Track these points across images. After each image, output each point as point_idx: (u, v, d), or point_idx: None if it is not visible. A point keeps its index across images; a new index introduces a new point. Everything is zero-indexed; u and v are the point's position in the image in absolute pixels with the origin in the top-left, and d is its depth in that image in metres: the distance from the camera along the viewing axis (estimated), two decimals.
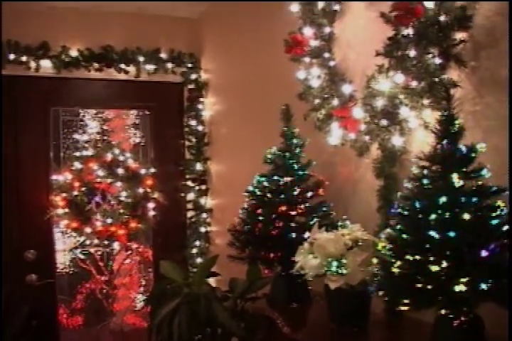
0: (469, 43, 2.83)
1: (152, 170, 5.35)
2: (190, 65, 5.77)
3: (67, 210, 5.03)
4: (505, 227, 2.27)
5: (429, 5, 2.82)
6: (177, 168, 5.75)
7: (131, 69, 5.51)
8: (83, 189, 5.08)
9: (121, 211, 5.10)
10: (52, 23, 5.30)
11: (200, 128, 5.70)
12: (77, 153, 5.27)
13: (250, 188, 3.46)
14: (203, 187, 5.72)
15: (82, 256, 5.41)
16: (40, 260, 5.36)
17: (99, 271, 5.41)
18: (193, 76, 5.77)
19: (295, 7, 3.66)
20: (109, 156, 5.15)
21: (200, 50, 5.80)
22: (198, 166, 5.69)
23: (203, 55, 5.79)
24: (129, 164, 5.21)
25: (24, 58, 5.19)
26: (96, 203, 5.13)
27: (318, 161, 3.53)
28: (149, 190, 5.21)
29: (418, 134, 3.06)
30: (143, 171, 5.24)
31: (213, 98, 5.60)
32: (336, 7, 3.63)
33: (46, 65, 5.29)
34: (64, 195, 5.05)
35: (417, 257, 2.22)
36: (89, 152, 5.21)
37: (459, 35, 2.83)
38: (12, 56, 5.12)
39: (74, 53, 5.35)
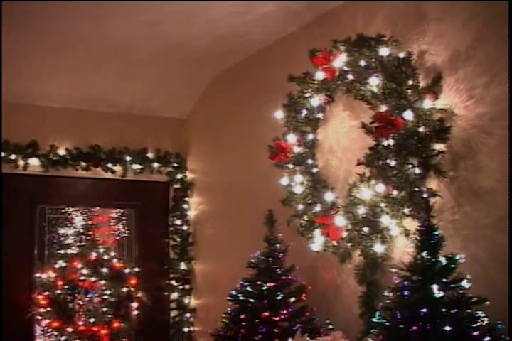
0: (448, 154, 2.95)
1: (136, 269, 5.31)
2: (176, 165, 5.83)
3: (49, 309, 4.95)
4: (487, 339, 2.29)
5: (409, 117, 2.95)
6: (161, 267, 5.70)
7: (118, 168, 5.58)
8: (66, 287, 5.02)
9: (104, 310, 5.02)
10: (41, 122, 5.38)
11: (184, 227, 5.71)
12: (62, 251, 5.24)
13: (233, 292, 3.46)
14: (187, 286, 5.67)
15: None
16: None
17: None
18: (179, 176, 5.82)
19: (280, 114, 3.78)
20: (93, 255, 5.12)
21: (187, 150, 5.89)
22: (182, 265, 5.65)
23: (189, 155, 5.88)
24: (113, 263, 5.18)
25: (13, 156, 5.24)
26: (79, 302, 5.06)
27: (300, 266, 3.55)
28: (133, 289, 5.15)
29: (399, 241, 3.11)
30: (127, 270, 5.20)
31: (198, 198, 5.66)
32: (319, 115, 3.76)
33: (34, 163, 5.33)
34: (47, 293, 4.98)
35: None
36: (74, 250, 5.19)
37: (438, 146, 2.96)
38: (1, 154, 5.17)
39: (62, 152, 5.41)
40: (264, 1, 3.75)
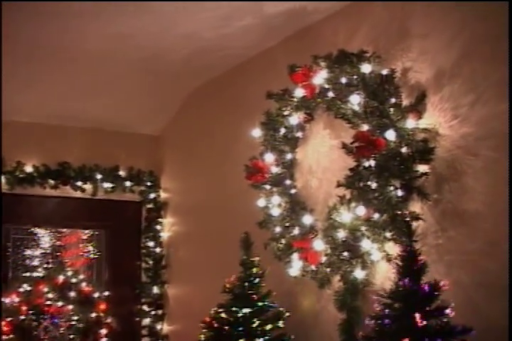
0: (431, 176, 2.94)
1: (106, 293, 5.25)
2: (149, 184, 5.80)
3: (12, 336, 4.88)
4: None
5: (391, 137, 2.95)
6: (132, 291, 5.65)
7: (88, 187, 5.53)
8: (31, 313, 4.95)
9: (72, 337, 4.96)
10: (7, 138, 5.33)
11: (157, 249, 5.66)
12: (27, 274, 5.19)
13: (207, 319, 3.42)
14: (160, 312, 5.61)
15: None
16: None
17: None
18: (152, 195, 5.79)
19: (257, 132, 3.78)
20: (60, 278, 5.06)
21: (160, 168, 5.87)
22: (155, 290, 5.60)
23: (162, 174, 5.85)
24: (82, 287, 5.12)
25: None
26: (44, 328, 4.99)
27: (278, 291, 3.52)
28: (102, 314, 5.08)
29: (381, 267, 3.10)
30: (96, 294, 5.15)
31: (172, 219, 5.62)
32: (298, 134, 3.76)
33: None
34: (10, 319, 4.91)
35: None
36: (40, 273, 5.13)
37: (421, 168, 2.95)
38: None
39: (29, 169, 5.36)
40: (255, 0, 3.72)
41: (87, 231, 5.80)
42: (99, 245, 5.78)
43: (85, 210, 5.65)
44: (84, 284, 5.15)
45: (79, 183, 5.50)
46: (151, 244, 5.69)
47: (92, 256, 5.76)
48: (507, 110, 2.63)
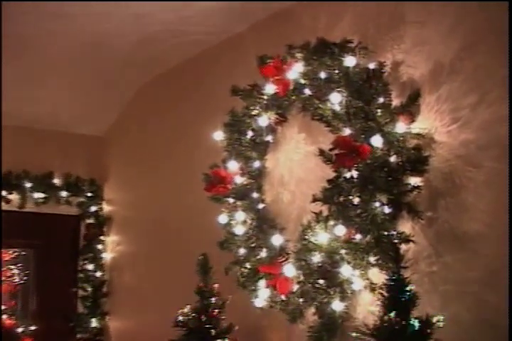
0: (425, 190, 2.94)
1: (32, 327, 5.21)
2: (89, 194, 5.77)
3: None
4: None
5: (378, 143, 2.95)
6: (66, 325, 5.61)
7: (15, 197, 5.49)
8: None
9: None
10: None
11: (98, 274, 5.62)
12: None
13: None
14: None
15: None
16: None
17: None
18: (93, 208, 5.76)
19: (219, 135, 3.77)
20: None
21: (104, 175, 5.84)
22: (94, 323, 5.57)
23: (106, 182, 5.82)
24: (3, 319, 5.08)
25: None
26: None
27: (241, 326, 3.51)
28: None
29: (363, 298, 3.10)
30: (20, 329, 5.11)
31: (117, 237, 5.59)
32: (269, 138, 3.76)
33: None
34: None
35: None
36: None
37: (413, 180, 2.95)
38: None
39: None
40: None
41: (11, 251, 5.74)
42: (26, 268, 5.73)
43: (10, 225, 5.58)
44: (5, 316, 5.11)
45: (3, 193, 5.45)
46: (90, 267, 5.66)
47: (16, 281, 5.71)
48: None
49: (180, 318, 3.46)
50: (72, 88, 5.20)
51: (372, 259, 2.96)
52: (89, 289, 5.65)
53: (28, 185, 5.53)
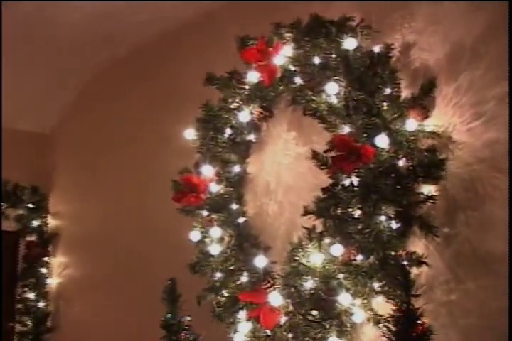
0: (441, 201, 2.94)
1: None
2: (31, 206, 5.76)
3: None
4: None
5: (383, 144, 2.94)
6: None
7: None
8: None
9: None
10: None
11: (41, 304, 5.60)
12: None
13: None
14: None
15: None
16: None
17: None
18: (35, 222, 5.75)
19: (191, 133, 3.77)
20: None
21: (49, 182, 5.83)
22: None
23: (52, 191, 5.81)
24: None
25: None
26: None
27: None
28: None
29: (366, 333, 3.10)
30: None
31: (64, 258, 5.58)
32: (251, 137, 3.77)
33: None
34: None
35: None
36: None
37: (426, 189, 2.95)
38: None
39: None
40: None
41: None
42: None
43: None
44: None
45: None
46: (31, 295, 5.65)
47: None
48: None
49: None
50: (11, 77, 5.18)
51: (376, 285, 2.96)
52: (30, 323, 5.64)
53: None
